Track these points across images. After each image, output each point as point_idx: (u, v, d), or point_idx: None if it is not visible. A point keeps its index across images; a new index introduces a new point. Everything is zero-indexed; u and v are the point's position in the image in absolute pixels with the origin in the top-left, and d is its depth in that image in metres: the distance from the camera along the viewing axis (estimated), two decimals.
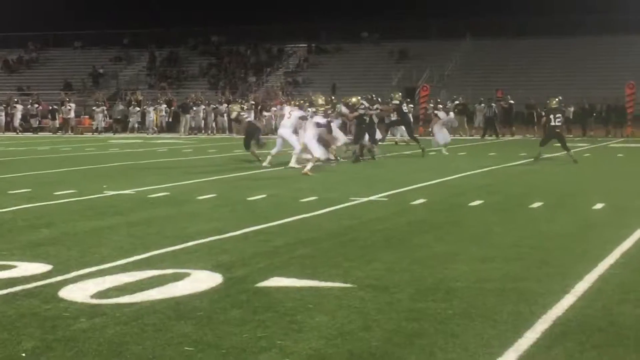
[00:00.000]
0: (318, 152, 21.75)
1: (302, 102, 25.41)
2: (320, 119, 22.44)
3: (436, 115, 31.24)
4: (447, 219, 12.93)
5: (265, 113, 48.53)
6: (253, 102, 50.07)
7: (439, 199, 15.53)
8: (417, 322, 6.81)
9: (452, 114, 31.52)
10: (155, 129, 50.81)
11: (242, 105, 29.22)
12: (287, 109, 24.27)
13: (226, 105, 49.95)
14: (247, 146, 24.75)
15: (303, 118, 22.86)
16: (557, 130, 25.02)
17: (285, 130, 23.42)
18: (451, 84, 56.00)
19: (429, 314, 7.04)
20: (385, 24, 64.12)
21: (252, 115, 27.10)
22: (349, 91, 49.90)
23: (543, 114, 25.32)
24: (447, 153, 28.61)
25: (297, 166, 22.24)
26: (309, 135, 22.08)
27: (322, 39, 66.10)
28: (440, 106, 35.12)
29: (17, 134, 50.32)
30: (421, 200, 14.96)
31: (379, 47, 63.92)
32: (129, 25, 69.90)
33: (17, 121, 52.66)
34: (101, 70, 66.36)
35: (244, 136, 25.65)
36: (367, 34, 66.13)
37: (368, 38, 65.91)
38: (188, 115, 50.28)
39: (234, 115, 27.71)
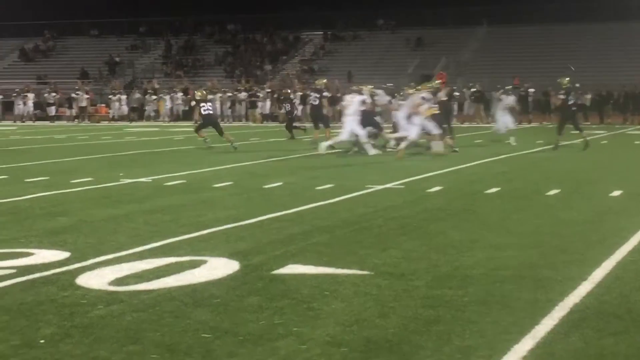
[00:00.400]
0: (413, 133, 22.16)
1: (361, 87, 25.17)
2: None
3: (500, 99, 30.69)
4: (464, 206, 12.90)
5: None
6: (269, 90, 50.06)
7: (455, 186, 15.49)
8: (433, 309, 6.80)
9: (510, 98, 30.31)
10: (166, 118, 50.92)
11: (206, 93, 28.68)
12: (347, 97, 24.22)
13: (245, 93, 50.06)
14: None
15: (364, 102, 23.10)
16: (574, 109, 24.98)
17: (349, 119, 23.16)
18: (467, 71, 55.85)
19: (446, 301, 7.04)
20: (401, 12, 63.98)
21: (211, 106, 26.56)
22: (365, 79, 49.85)
23: (560, 95, 24.98)
24: (514, 143, 26.49)
25: (375, 152, 22.67)
26: (401, 115, 22.98)
27: (338, 27, 65.97)
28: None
29: (33, 122, 50.46)
30: (437, 188, 14.94)
31: (395, 35, 63.79)
32: (146, 13, 69.97)
33: (29, 110, 52.84)
34: (117, 59, 66.45)
35: (199, 123, 26.78)
36: (383, 21, 65.98)
37: (384, 25, 65.74)
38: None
39: (193, 103, 28.01)
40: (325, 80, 29.41)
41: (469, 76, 52.64)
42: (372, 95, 24.96)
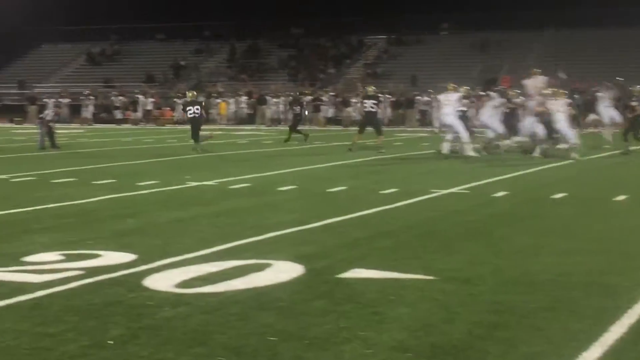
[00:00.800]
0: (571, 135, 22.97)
1: (454, 86, 25.19)
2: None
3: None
4: (530, 211, 12.79)
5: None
6: (333, 94, 50.12)
7: (521, 191, 15.37)
8: (499, 314, 6.75)
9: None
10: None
11: (193, 96, 28.82)
12: (441, 97, 24.32)
13: (310, 97, 50.23)
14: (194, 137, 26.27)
15: (460, 99, 23.53)
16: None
17: (449, 117, 23.27)
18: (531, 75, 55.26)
19: (512, 307, 6.98)
20: (465, 15, 63.57)
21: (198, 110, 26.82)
22: (429, 83, 49.77)
23: (632, 102, 24.68)
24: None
25: (473, 154, 22.65)
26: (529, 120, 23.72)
27: (402, 31, 65.78)
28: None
29: (89, 125, 51.03)
30: (503, 193, 14.82)
31: (459, 39, 63.41)
32: (210, 17, 70.48)
33: (89, 113, 53.56)
34: (182, 63, 67.02)
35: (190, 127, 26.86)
36: (447, 25, 65.65)
37: (448, 29, 65.43)
38: (265, 107, 50.59)
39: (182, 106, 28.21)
40: (373, 87, 29.58)
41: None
42: (466, 96, 25.25)
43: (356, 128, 27.75)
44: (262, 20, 69.03)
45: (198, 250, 9.40)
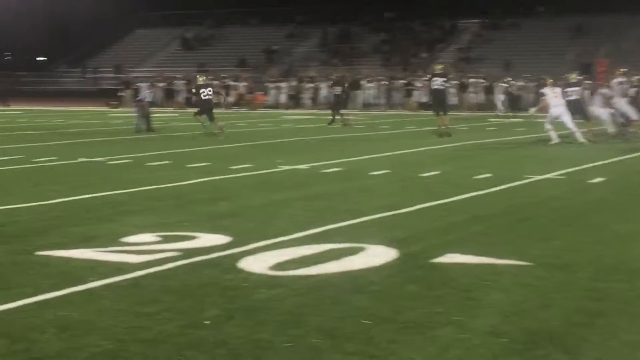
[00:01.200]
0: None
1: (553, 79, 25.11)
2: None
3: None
4: (629, 198, 12.55)
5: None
6: (426, 78, 49.79)
7: (620, 177, 15.08)
8: (598, 302, 6.64)
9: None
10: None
11: (206, 79, 29.46)
12: (547, 90, 24.09)
13: (403, 82, 50.05)
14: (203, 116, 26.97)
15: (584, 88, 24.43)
16: None
17: (557, 109, 23.22)
18: (627, 60, 54.11)
19: (611, 294, 6.86)
20: None
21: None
22: (523, 68, 49.13)
23: None
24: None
25: (583, 140, 22.48)
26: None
27: (496, 14, 64.99)
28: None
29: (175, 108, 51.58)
30: (600, 179, 14.55)
31: (554, 22, 62.34)
32: (303, 2, 70.67)
33: (182, 97, 54.21)
34: (275, 47, 67.37)
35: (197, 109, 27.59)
36: (542, 8, 64.61)
37: (543, 13, 64.38)
38: (360, 92, 50.54)
39: (194, 90, 28.24)
40: (442, 65, 29.25)
41: (628, 66, 50.99)
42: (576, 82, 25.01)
43: (449, 114, 27.42)
44: (354, 4, 68.88)
45: (291, 233, 9.45)
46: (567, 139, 22.50)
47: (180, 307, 6.53)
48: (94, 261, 8.05)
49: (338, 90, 34.79)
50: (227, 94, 53.49)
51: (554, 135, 22.66)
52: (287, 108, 51.94)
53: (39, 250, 8.50)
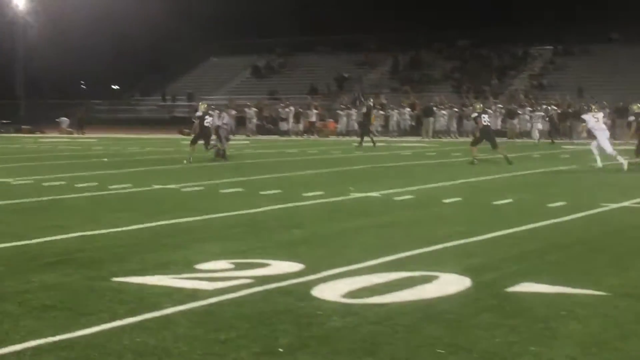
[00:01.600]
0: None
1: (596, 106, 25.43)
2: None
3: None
4: None
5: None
6: (501, 106, 49.49)
7: None
8: None
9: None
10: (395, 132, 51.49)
11: (208, 108, 29.74)
12: (587, 117, 24.48)
13: (471, 108, 49.80)
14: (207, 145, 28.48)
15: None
16: None
17: (599, 133, 23.66)
18: None
19: None
20: (636, 25, 61.60)
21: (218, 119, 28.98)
22: (597, 95, 48.50)
23: None
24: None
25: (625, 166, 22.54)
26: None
27: (569, 41, 64.40)
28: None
29: (248, 136, 51.99)
30: None
31: (630, 49, 61.48)
32: (374, 29, 70.86)
33: (254, 125, 54.72)
34: (346, 75, 67.60)
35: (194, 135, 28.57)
36: (616, 35, 63.81)
37: (618, 39, 63.56)
38: (431, 119, 50.45)
39: (197, 116, 28.93)
40: (480, 105, 29.05)
41: None
42: None
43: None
44: (425, 31, 68.88)
45: (364, 261, 9.43)
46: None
47: (255, 334, 6.55)
48: (168, 287, 8.12)
49: (364, 108, 37.00)
50: (298, 122, 53.81)
51: (598, 160, 23.04)
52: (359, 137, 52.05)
53: (115, 277, 8.61)
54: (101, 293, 7.92)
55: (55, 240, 11.06)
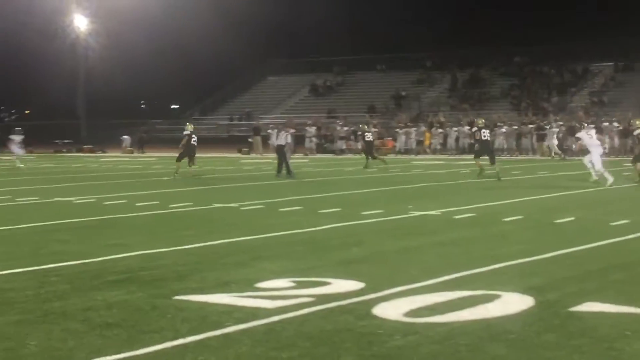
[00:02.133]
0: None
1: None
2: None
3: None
4: None
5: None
6: (562, 123, 48.99)
7: None
8: None
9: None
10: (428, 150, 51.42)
11: (195, 128, 31.89)
12: (582, 134, 25.80)
13: (531, 126, 49.44)
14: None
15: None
16: None
17: (594, 149, 24.41)
18: None
19: None
20: None
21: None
22: None
23: None
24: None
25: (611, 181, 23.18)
26: None
27: (631, 57, 63.64)
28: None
29: (307, 154, 52.06)
30: None
31: None
32: (432, 47, 70.83)
33: (312, 143, 54.85)
34: (403, 93, 67.54)
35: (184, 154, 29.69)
36: None
37: None
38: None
39: (186, 133, 30.49)
40: (483, 120, 30.25)
41: None
42: None
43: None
44: (484, 49, 68.61)
45: (424, 279, 9.39)
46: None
47: (316, 353, 6.55)
48: (230, 306, 8.16)
49: (368, 135, 37.61)
50: (356, 140, 53.83)
51: (608, 176, 23.38)
52: (415, 154, 51.95)
53: (177, 295, 8.67)
54: (163, 311, 7.99)
55: (118, 258, 11.19)
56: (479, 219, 15.48)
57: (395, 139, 54.73)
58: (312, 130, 56.19)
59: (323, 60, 75.17)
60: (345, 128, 55.93)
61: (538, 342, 6.82)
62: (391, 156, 50.10)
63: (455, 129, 53.24)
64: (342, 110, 64.60)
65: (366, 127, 38.46)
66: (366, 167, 35.00)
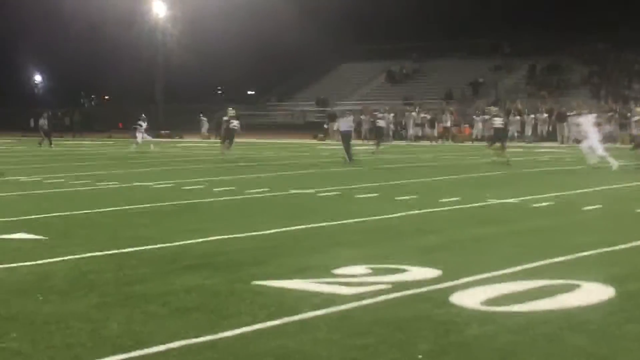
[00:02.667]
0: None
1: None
2: None
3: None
4: None
5: None
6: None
7: None
8: None
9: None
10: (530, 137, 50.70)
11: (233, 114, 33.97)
12: (581, 119, 27.46)
13: (610, 114, 48.60)
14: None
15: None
16: None
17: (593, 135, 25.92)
18: None
19: None
20: None
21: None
22: None
23: None
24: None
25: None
26: None
27: None
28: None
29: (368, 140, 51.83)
30: None
31: None
32: (511, 34, 70.02)
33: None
34: (481, 80, 66.92)
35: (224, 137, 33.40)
36: None
37: None
38: (565, 124, 49.46)
39: (225, 118, 33.71)
40: (497, 108, 32.90)
41: None
42: None
43: None
44: (564, 35, 67.52)
45: (502, 268, 9.31)
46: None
47: (393, 340, 6.55)
48: (307, 292, 8.19)
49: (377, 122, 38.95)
50: (433, 127, 53.59)
51: (612, 161, 24.45)
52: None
53: (255, 280, 8.73)
54: (241, 296, 8.05)
55: (196, 243, 11.30)
56: (557, 208, 15.28)
57: (472, 126, 54.31)
58: (390, 117, 55.99)
59: (399, 46, 74.83)
60: (422, 115, 55.62)
61: (619, 333, 6.72)
62: (467, 143, 49.78)
63: (532, 116, 52.63)
64: (418, 97, 64.30)
65: (493, 109, 34.59)
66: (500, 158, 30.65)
